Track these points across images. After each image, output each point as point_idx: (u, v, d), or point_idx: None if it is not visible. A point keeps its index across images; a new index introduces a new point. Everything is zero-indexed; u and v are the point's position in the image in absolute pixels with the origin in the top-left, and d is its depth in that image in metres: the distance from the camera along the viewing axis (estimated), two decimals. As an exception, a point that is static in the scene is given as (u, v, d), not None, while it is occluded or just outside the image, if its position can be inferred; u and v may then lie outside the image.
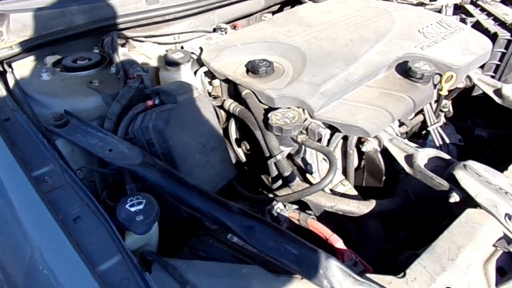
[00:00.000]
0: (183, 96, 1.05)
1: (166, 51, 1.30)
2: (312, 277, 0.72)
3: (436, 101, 1.37)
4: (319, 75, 1.19)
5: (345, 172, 1.23)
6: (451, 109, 1.46)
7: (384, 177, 1.19)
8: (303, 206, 1.09)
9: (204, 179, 1.03)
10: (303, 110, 1.14)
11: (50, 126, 0.99)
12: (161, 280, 0.75)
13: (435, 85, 1.31)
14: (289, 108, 1.12)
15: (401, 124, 1.33)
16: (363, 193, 1.19)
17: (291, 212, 1.02)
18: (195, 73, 1.31)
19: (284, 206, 1.02)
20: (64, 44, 1.30)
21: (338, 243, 0.94)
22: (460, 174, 0.98)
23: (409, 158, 1.09)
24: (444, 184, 1.00)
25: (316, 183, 1.02)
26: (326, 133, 1.11)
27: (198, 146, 1.04)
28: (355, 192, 1.19)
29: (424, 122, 1.38)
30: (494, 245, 0.84)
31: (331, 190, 1.18)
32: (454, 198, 0.98)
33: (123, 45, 1.35)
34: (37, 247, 0.74)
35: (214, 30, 1.61)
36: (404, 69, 1.27)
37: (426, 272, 0.79)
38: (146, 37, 1.45)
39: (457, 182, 0.98)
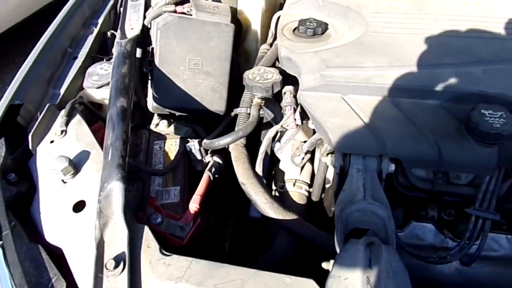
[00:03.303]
0: (205, 15, 1.10)
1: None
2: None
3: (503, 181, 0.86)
4: (343, 58, 0.96)
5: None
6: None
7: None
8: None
9: (178, 90, 1.12)
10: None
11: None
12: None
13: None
14: (280, 71, 1.00)
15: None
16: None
17: (207, 157, 1.02)
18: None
19: (204, 149, 1.01)
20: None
21: (193, 204, 0.90)
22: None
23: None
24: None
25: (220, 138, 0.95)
26: (291, 115, 0.94)
27: (189, 61, 1.10)
28: (301, 200, 1.01)
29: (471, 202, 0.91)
30: None
31: (282, 185, 1.04)
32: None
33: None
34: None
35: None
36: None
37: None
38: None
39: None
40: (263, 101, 0.98)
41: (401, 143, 0.85)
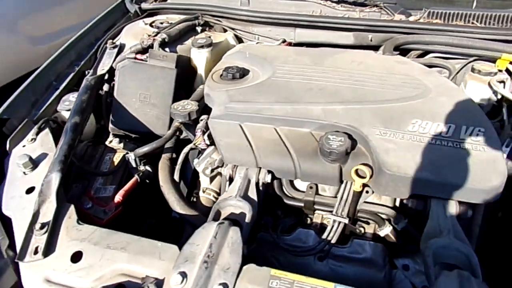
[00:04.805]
0: (154, 61, 1.46)
1: (209, 36, 1.68)
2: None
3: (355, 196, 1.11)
4: (243, 95, 1.27)
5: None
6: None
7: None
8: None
9: (130, 116, 1.45)
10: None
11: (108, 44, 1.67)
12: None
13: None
14: (197, 103, 1.32)
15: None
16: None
17: (141, 166, 1.32)
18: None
19: (138, 158, 1.32)
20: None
21: (118, 196, 1.19)
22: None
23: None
24: None
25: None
26: (200, 136, 1.24)
27: (140, 95, 1.45)
28: (208, 204, 1.28)
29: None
30: None
31: (197, 192, 1.32)
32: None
33: (205, 24, 1.83)
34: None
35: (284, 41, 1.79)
36: (326, 137, 1.12)
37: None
38: (232, 28, 1.86)
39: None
40: (181, 125, 1.29)
41: (271, 159, 1.14)
